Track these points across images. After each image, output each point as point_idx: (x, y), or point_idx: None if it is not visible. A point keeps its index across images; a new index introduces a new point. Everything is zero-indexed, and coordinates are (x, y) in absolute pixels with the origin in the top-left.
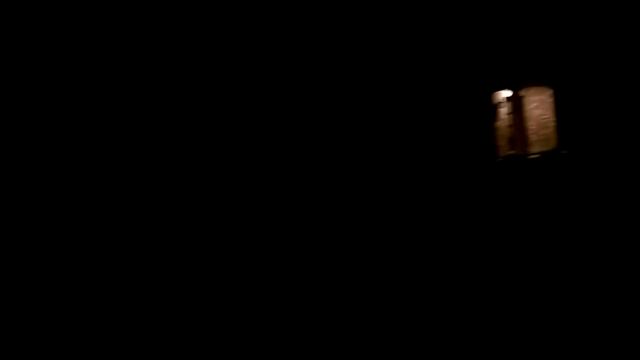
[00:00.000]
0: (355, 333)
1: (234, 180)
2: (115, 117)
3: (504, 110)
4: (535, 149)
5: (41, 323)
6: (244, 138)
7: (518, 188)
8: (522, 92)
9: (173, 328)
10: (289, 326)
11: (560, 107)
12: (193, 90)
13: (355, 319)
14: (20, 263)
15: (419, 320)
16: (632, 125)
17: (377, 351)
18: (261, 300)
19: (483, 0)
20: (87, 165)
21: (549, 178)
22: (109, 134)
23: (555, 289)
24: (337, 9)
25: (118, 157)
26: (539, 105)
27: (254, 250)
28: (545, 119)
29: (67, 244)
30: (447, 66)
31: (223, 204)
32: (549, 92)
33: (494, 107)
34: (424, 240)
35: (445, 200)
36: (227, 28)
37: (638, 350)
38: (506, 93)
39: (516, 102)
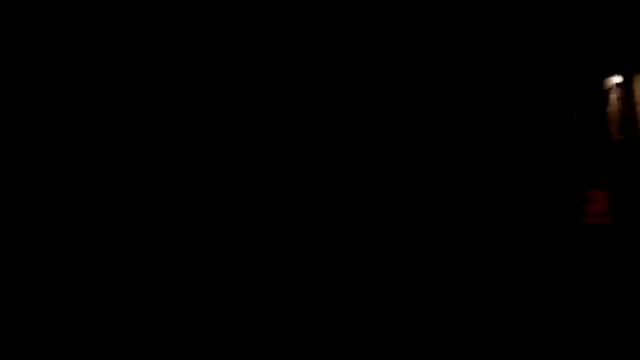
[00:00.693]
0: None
1: (234, 180)
2: (115, 117)
3: (614, 96)
4: None
5: (41, 323)
6: (260, 139)
7: (632, 169)
8: (633, 78)
9: (173, 328)
10: (289, 326)
11: None
12: (193, 90)
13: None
14: (19, 263)
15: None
16: None
17: (378, 351)
18: (261, 301)
19: None
20: (87, 165)
21: None
22: (109, 133)
23: None
24: None
25: (118, 157)
26: None
27: (253, 251)
28: None
29: (67, 244)
30: (561, 55)
31: (223, 204)
32: None
33: (605, 93)
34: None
35: (558, 183)
36: (226, 28)
37: None
38: (616, 79)
39: (626, 88)
